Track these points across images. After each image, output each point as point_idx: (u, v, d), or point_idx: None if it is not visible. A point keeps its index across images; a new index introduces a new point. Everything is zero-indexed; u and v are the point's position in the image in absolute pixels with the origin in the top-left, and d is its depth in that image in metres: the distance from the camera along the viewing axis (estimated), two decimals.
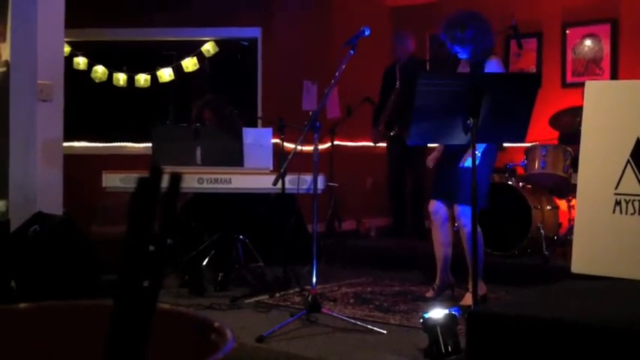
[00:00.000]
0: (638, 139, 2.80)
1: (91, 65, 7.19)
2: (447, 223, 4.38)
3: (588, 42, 7.02)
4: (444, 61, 5.40)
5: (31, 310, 1.10)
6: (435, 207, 4.36)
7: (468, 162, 4.11)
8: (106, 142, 7.24)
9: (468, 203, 4.16)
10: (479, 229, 4.15)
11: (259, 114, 7.14)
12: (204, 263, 5.00)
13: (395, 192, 6.84)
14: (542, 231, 5.26)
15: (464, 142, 3.50)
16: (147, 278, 0.90)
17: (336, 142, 6.89)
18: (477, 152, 4.05)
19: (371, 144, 6.87)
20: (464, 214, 4.17)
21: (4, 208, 4.80)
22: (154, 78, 7.27)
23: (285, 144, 5.02)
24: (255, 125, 6.47)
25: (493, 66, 4.24)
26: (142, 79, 7.27)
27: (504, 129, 3.52)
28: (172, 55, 7.36)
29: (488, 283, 4.32)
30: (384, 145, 6.75)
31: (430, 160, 4.53)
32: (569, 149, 5.33)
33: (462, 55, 4.29)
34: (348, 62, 3.82)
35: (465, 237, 4.20)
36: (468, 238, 4.16)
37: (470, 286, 4.19)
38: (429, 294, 4.47)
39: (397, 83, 6.32)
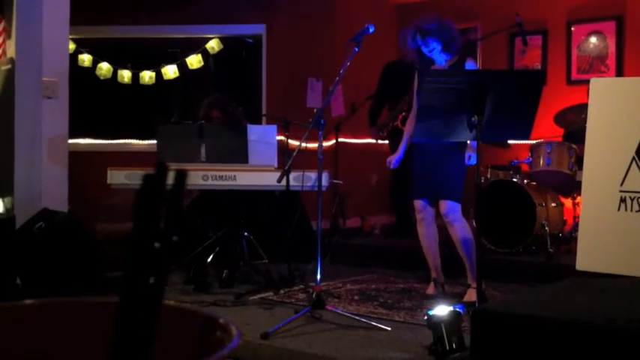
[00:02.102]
0: None
1: (95, 62, 7.21)
2: (434, 220, 4.39)
3: (593, 39, 7.00)
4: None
5: (36, 307, 1.11)
6: (422, 206, 4.35)
7: (473, 160, 4.12)
8: (111, 139, 7.26)
9: (455, 199, 4.19)
10: (466, 222, 4.19)
11: (264, 111, 7.14)
12: (209, 260, 5.00)
13: (397, 190, 6.83)
14: (546, 228, 5.25)
15: (469, 140, 3.50)
16: (152, 275, 0.90)
17: (340, 140, 6.88)
18: (472, 154, 4.07)
19: (374, 141, 6.85)
20: (452, 209, 4.18)
21: (10, 205, 4.82)
22: (159, 75, 7.28)
23: (290, 141, 5.03)
24: (259, 122, 6.47)
25: (472, 67, 4.24)
26: (147, 76, 7.28)
27: (509, 126, 3.52)
28: (177, 52, 7.37)
29: (492, 281, 4.32)
30: (387, 142, 6.74)
31: (392, 162, 4.49)
32: (574, 146, 5.32)
33: (440, 62, 4.26)
34: (353, 59, 3.81)
35: (456, 232, 4.20)
36: (460, 234, 4.17)
37: (470, 282, 4.21)
38: (431, 290, 4.46)
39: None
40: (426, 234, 4.38)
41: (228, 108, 5.38)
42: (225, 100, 5.52)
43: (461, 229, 4.18)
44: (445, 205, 4.21)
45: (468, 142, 4.08)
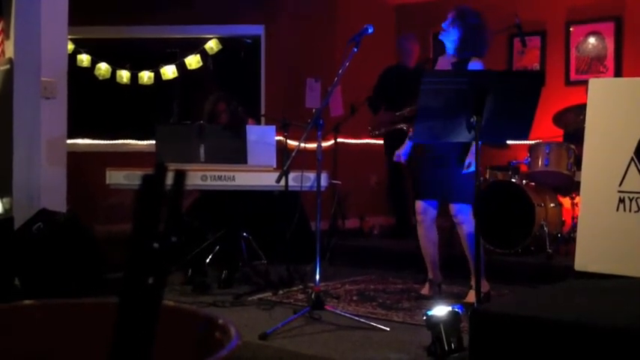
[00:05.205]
0: None
1: (94, 62, 7.20)
2: (434, 222, 4.37)
3: (592, 40, 7.01)
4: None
5: (35, 308, 1.11)
6: (423, 207, 4.32)
7: (472, 167, 4.09)
8: (110, 139, 7.25)
9: (465, 201, 4.17)
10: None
11: (262, 111, 7.14)
12: (208, 260, 5.00)
13: (394, 190, 6.83)
14: (545, 229, 5.25)
15: (468, 140, 3.49)
16: (152, 275, 0.90)
17: (339, 140, 6.88)
18: (472, 161, 4.04)
19: (373, 141, 6.85)
20: (461, 211, 4.16)
21: (8, 206, 4.81)
22: (158, 75, 7.28)
23: (289, 141, 5.03)
24: (258, 123, 6.47)
25: (477, 66, 4.20)
26: (146, 76, 7.28)
27: (508, 127, 3.52)
28: (176, 52, 7.38)
29: (491, 281, 4.32)
30: (382, 142, 6.72)
31: (400, 156, 4.46)
32: (573, 147, 5.32)
33: (449, 48, 4.25)
34: (352, 60, 3.81)
35: (464, 234, 4.19)
36: (468, 235, 4.15)
37: (473, 284, 4.20)
38: (425, 291, 4.45)
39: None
40: (424, 235, 4.37)
41: (230, 106, 5.41)
42: (228, 97, 5.56)
43: (469, 230, 4.15)
44: (454, 206, 4.20)
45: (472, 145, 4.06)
